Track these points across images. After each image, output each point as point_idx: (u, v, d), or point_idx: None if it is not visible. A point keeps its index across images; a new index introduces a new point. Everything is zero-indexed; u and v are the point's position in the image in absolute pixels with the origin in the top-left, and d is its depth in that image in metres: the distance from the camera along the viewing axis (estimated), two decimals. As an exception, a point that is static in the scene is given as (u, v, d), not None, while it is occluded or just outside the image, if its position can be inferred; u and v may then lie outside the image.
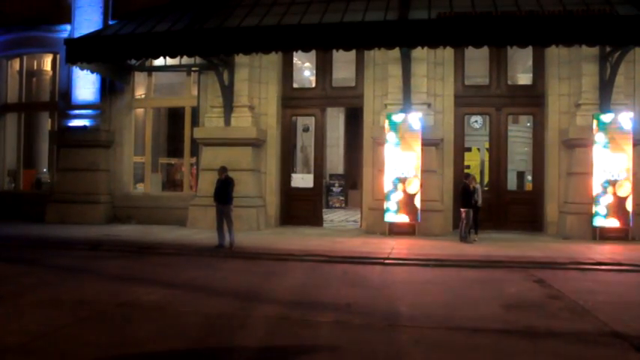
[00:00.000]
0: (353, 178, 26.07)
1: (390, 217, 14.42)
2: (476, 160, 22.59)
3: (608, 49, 13.94)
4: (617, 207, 13.48)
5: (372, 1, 13.70)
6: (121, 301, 7.27)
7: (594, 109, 14.16)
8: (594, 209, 13.62)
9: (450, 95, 15.72)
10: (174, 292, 8.08)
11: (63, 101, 18.12)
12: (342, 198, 26.40)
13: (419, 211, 14.24)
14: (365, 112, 16.19)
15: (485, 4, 12.83)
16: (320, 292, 8.14)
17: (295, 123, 22.42)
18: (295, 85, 18.20)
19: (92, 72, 16.06)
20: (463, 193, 13.38)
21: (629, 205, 13.46)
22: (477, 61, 16.37)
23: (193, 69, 16.97)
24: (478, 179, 14.97)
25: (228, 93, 15.97)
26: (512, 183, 20.21)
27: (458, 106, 15.84)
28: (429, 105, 15.30)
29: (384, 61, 15.47)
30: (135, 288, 8.24)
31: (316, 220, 16.83)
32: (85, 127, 17.54)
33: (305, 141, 26.17)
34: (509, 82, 16.78)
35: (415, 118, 14.37)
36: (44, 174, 20.16)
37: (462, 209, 13.46)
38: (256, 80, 16.50)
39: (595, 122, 13.71)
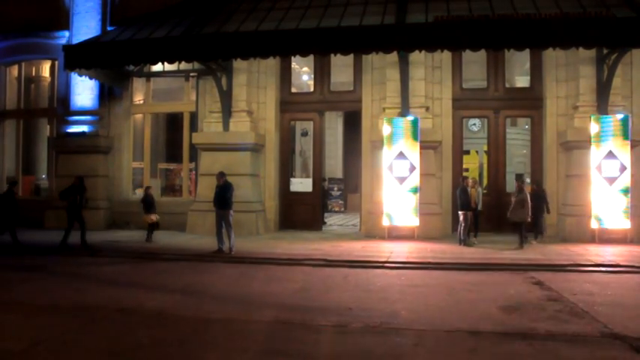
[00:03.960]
0: (352, 182, 26.07)
1: (389, 221, 14.43)
2: (474, 163, 22.60)
3: (605, 51, 13.99)
4: (615, 209, 13.50)
5: (370, 5, 13.77)
6: (122, 307, 7.28)
7: (592, 111, 14.19)
8: (593, 211, 13.65)
9: (448, 98, 15.76)
10: (175, 297, 8.09)
11: (62, 107, 18.14)
12: (341, 202, 26.39)
13: (418, 215, 14.26)
14: (363, 116, 16.21)
15: (482, 7, 12.89)
16: (320, 296, 8.15)
17: (294, 127, 22.42)
18: (294, 90, 18.24)
19: (91, 78, 16.09)
20: (461, 196, 13.40)
21: (627, 207, 13.48)
22: (475, 64, 16.42)
23: (192, 74, 17.00)
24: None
25: (226, 98, 16.00)
26: (511, 185, 20.21)
27: (456, 109, 15.87)
28: (427, 108, 15.33)
29: (382, 65, 15.52)
30: (135, 293, 8.25)
31: (315, 224, 16.85)
32: (83, 133, 17.56)
33: (304, 145, 26.14)
34: (507, 85, 16.82)
35: (413, 122, 14.41)
36: (43, 180, 20.14)
37: (460, 212, 13.48)
38: (255, 85, 16.55)
39: (593, 124, 13.75)
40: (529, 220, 12.94)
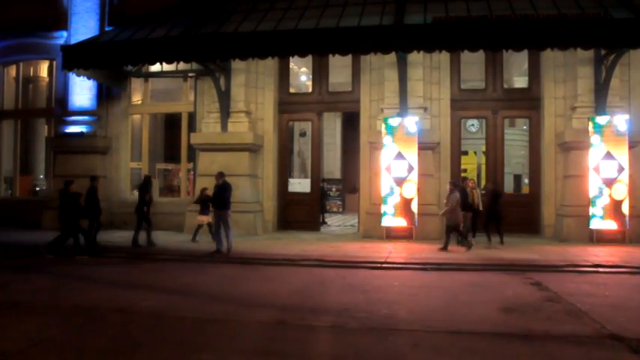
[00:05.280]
0: (350, 183, 26.09)
1: (388, 221, 14.42)
2: (473, 164, 22.68)
3: (603, 52, 14.02)
4: (614, 209, 13.52)
5: (368, 5, 13.78)
6: (119, 307, 7.26)
7: (590, 112, 14.22)
8: (591, 212, 13.65)
9: (446, 99, 15.77)
10: (172, 297, 8.07)
11: (59, 107, 18.12)
12: (339, 202, 26.39)
13: (416, 215, 14.26)
14: (361, 117, 16.21)
15: (480, 8, 12.90)
16: (318, 297, 8.14)
17: (292, 128, 22.45)
18: (292, 90, 18.24)
19: (89, 78, 16.08)
20: (461, 196, 13.36)
21: (625, 208, 13.50)
22: (473, 64, 16.42)
23: (190, 74, 17.00)
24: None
25: (224, 98, 15.99)
26: (509, 186, 20.31)
27: (454, 109, 15.88)
28: (425, 109, 15.33)
29: (380, 66, 15.51)
30: (132, 294, 8.24)
31: (314, 225, 16.85)
32: (81, 133, 17.54)
33: (302, 146, 26.18)
34: (505, 86, 16.83)
35: (411, 122, 14.41)
36: (41, 180, 20.12)
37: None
38: (253, 85, 16.54)
39: (591, 125, 13.76)
40: (458, 222, 12.65)
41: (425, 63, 15.35)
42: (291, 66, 18.01)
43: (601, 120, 13.73)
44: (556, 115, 15.21)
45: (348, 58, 15.23)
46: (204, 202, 14.01)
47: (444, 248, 12.46)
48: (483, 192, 15.36)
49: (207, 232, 13.98)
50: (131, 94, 18.20)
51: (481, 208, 14.04)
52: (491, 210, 13.34)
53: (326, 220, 19.61)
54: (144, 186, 13.49)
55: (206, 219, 14.04)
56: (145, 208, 13.21)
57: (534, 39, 12.39)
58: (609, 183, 13.55)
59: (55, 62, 18.20)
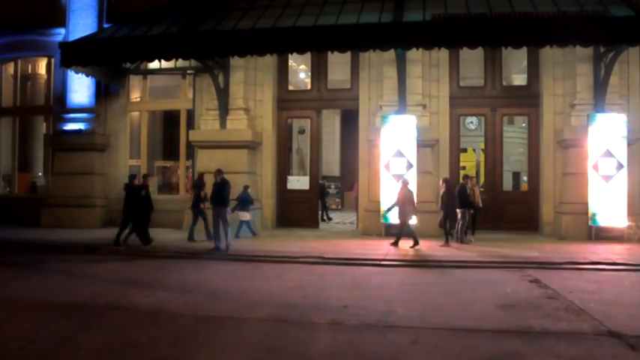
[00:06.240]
0: (349, 180, 26.05)
1: (387, 219, 14.41)
2: (471, 161, 22.66)
3: (602, 49, 14.01)
4: (612, 207, 13.52)
5: (367, 3, 13.76)
6: (118, 305, 7.26)
7: (589, 110, 14.21)
8: (589, 209, 13.66)
9: (445, 96, 15.76)
10: (171, 295, 8.06)
11: (58, 105, 18.08)
12: (338, 200, 26.37)
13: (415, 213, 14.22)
14: (360, 114, 16.19)
15: (479, 5, 12.89)
16: (317, 294, 8.14)
17: (291, 125, 22.37)
18: (291, 88, 18.20)
19: (87, 75, 16.03)
20: (461, 194, 13.34)
21: (623, 205, 13.50)
22: (472, 62, 16.40)
23: (189, 72, 16.95)
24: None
25: (223, 95, 15.97)
26: (507, 183, 20.30)
27: (453, 107, 15.87)
28: (424, 106, 15.33)
29: (379, 63, 15.49)
30: (131, 291, 8.23)
31: (313, 222, 16.84)
32: (80, 130, 17.50)
33: (300, 143, 26.10)
34: (504, 83, 16.82)
35: (410, 120, 14.40)
36: (39, 178, 20.09)
37: (458, 210, 13.45)
38: (252, 83, 16.51)
39: (590, 122, 13.76)
40: (405, 220, 12.75)
41: (424, 60, 15.34)
42: (289, 63, 17.97)
43: (600, 117, 13.73)
44: (555, 113, 15.21)
45: (347, 55, 15.22)
46: (244, 200, 14.15)
47: (415, 244, 12.54)
48: (482, 189, 15.39)
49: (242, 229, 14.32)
50: (130, 92, 18.17)
51: (481, 205, 14.04)
52: (447, 210, 13.22)
53: (329, 216, 19.82)
54: (199, 184, 13.93)
55: (248, 215, 14.24)
56: (202, 205, 13.64)
57: (533, 36, 12.38)
58: (608, 180, 13.55)
59: (53, 59, 18.16)
